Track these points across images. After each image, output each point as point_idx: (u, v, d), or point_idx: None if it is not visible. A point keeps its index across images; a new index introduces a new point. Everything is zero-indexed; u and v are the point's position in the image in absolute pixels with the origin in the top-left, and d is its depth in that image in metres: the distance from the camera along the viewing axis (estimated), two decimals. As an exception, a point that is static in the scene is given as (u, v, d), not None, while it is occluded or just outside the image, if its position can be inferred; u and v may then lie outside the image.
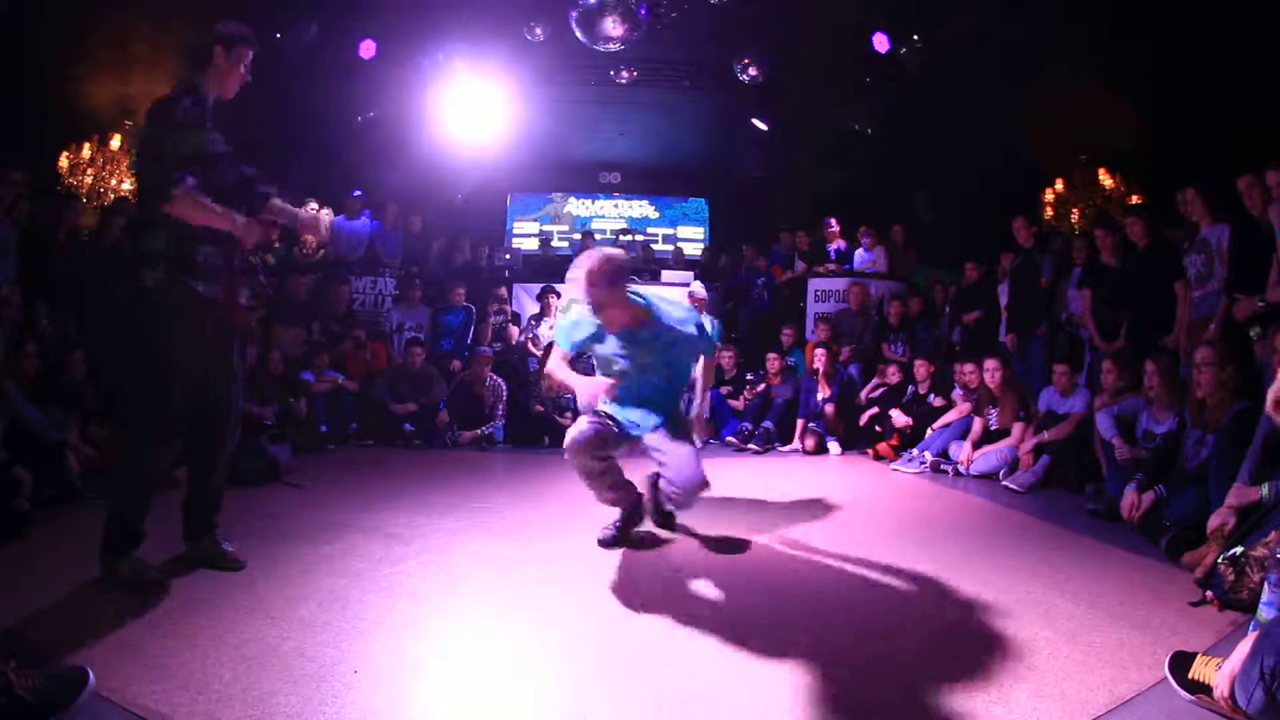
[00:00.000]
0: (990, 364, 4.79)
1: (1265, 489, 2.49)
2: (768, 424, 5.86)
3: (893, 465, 5.07)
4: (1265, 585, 1.86)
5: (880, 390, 5.82)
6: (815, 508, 3.79)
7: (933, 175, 7.78)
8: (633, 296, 2.73)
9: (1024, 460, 4.43)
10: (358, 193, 7.39)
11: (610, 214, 10.51)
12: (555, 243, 10.10)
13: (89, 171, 6.64)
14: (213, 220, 2.40)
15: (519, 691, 1.73)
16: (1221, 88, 5.52)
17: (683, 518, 3.45)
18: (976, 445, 4.73)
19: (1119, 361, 4.28)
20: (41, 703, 1.48)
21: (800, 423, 5.81)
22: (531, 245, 10.10)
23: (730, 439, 5.94)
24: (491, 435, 5.73)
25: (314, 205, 7.51)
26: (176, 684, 1.68)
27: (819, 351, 5.97)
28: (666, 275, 8.10)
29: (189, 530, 2.59)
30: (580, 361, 3.12)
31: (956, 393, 5.28)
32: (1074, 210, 7.65)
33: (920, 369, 5.61)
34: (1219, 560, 2.28)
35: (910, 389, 5.66)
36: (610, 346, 2.84)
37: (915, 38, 6.67)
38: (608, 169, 10.42)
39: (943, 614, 2.20)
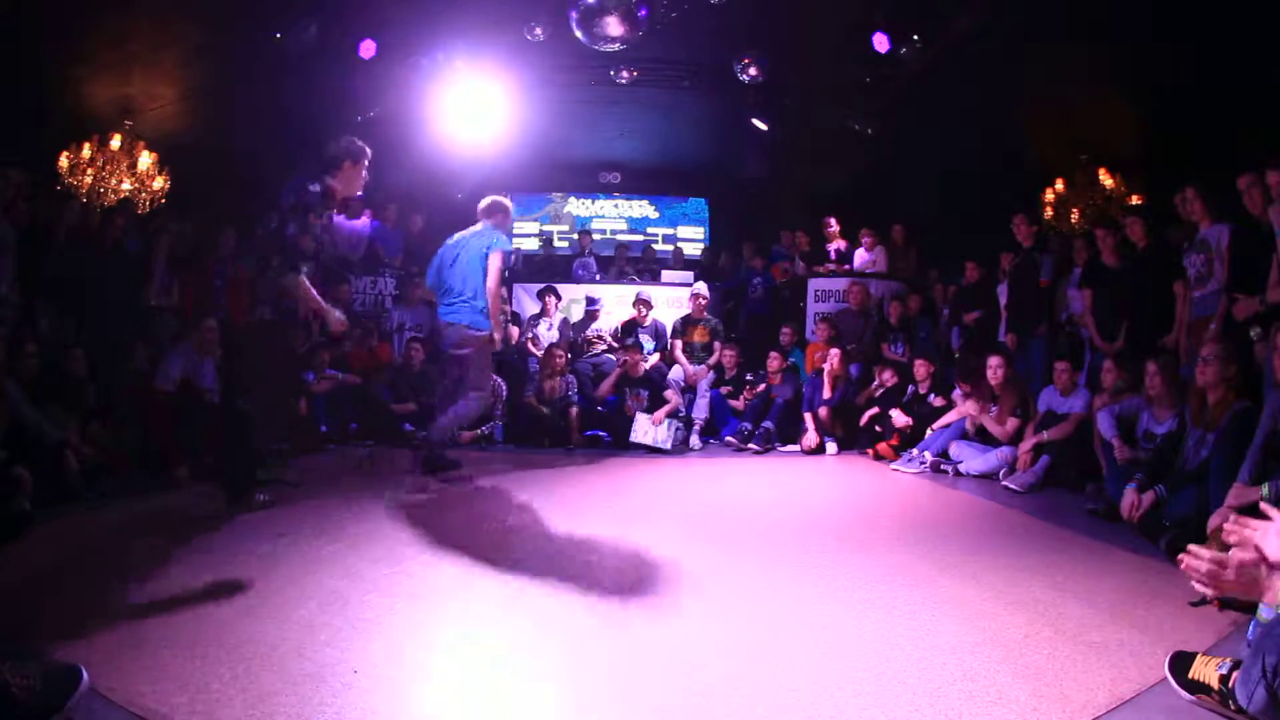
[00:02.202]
0: (994, 360, 4.80)
1: (1265, 489, 2.48)
2: (768, 424, 5.86)
3: (893, 465, 5.07)
4: (1265, 585, 1.86)
5: (880, 390, 5.82)
6: (815, 508, 3.79)
7: (933, 175, 7.77)
8: None
9: (1023, 460, 4.43)
10: (358, 193, 7.39)
11: (610, 214, 10.51)
12: (555, 243, 10.11)
13: (89, 171, 6.63)
14: (317, 307, 3.42)
15: (519, 691, 1.73)
16: (1221, 88, 5.51)
17: (682, 517, 3.46)
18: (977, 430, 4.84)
19: (1120, 361, 4.27)
20: (37, 702, 1.48)
21: (809, 416, 5.80)
22: (531, 245, 10.10)
23: (730, 439, 5.93)
24: (491, 435, 5.72)
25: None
26: (175, 684, 1.67)
27: (834, 351, 5.95)
28: (666, 275, 8.12)
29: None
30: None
31: (956, 393, 5.28)
32: (1074, 210, 7.65)
33: (920, 369, 5.60)
34: (1219, 560, 2.28)
35: (910, 389, 5.66)
36: None
37: (915, 38, 6.66)
38: (608, 169, 10.41)
39: (942, 614, 2.20)
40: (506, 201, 4.35)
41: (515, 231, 10.31)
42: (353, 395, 5.77)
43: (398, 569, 2.55)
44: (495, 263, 4.05)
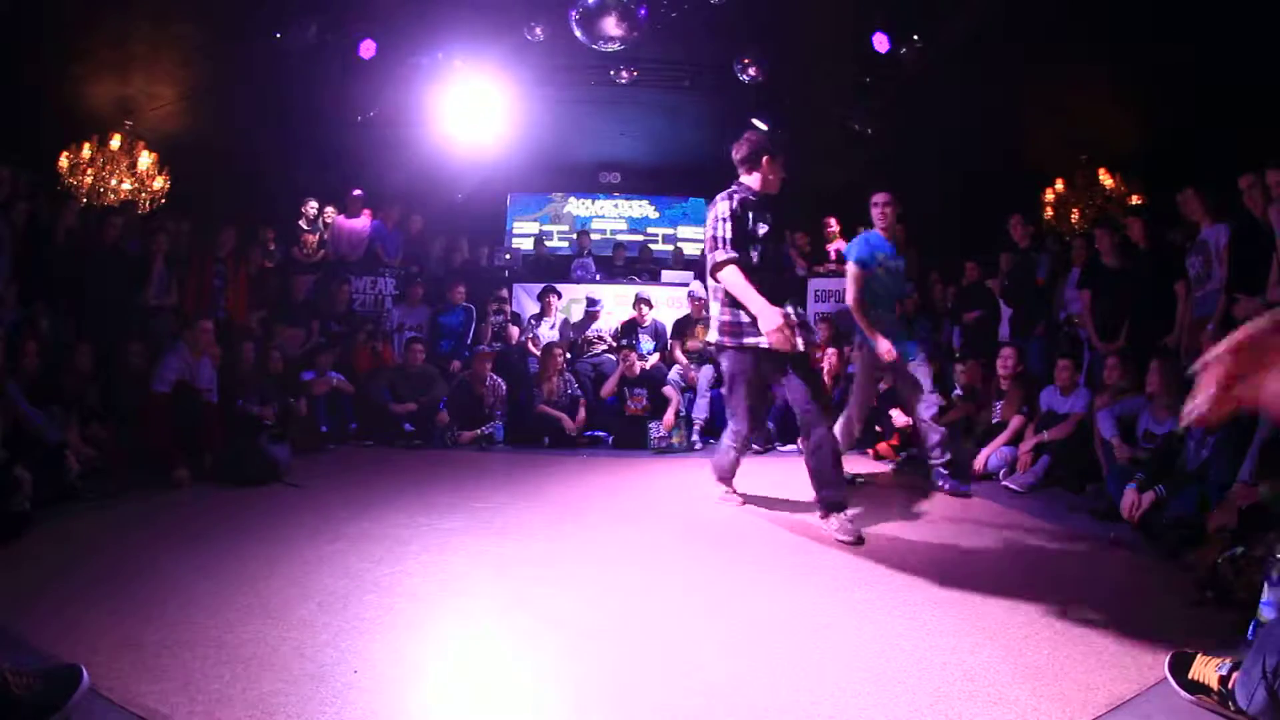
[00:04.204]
0: (1006, 352, 4.82)
1: (1265, 489, 2.48)
2: (769, 424, 5.84)
3: (893, 465, 5.07)
4: (1265, 585, 1.86)
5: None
6: (815, 508, 3.78)
7: (933, 175, 7.77)
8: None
9: (1023, 460, 4.42)
10: (358, 192, 7.40)
11: (610, 214, 10.50)
12: (549, 242, 10.08)
13: (89, 171, 6.63)
14: (745, 297, 3.02)
15: (519, 692, 1.73)
16: (1221, 88, 5.51)
17: (682, 517, 3.46)
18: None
19: (1123, 360, 4.28)
20: (37, 702, 1.48)
21: None
22: (528, 245, 10.10)
23: (730, 438, 5.92)
24: (491, 435, 5.72)
25: (314, 204, 7.54)
26: (176, 684, 1.68)
27: (830, 351, 5.94)
28: (666, 275, 8.11)
29: None
30: None
31: (956, 393, 5.28)
32: (1074, 210, 7.65)
33: (920, 369, 5.59)
34: (1219, 560, 2.28)
35: (910, 389, 5.65)
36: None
37: (915, 38, 6.66)
38: (608, 169, 10.40)
39: (942, 613, 2.20)
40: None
41: (515, 231, 10.32)
42: (353, 395, 5.77)
43: (398, 569, 2.55)
44: (849, 272, 4.17)
